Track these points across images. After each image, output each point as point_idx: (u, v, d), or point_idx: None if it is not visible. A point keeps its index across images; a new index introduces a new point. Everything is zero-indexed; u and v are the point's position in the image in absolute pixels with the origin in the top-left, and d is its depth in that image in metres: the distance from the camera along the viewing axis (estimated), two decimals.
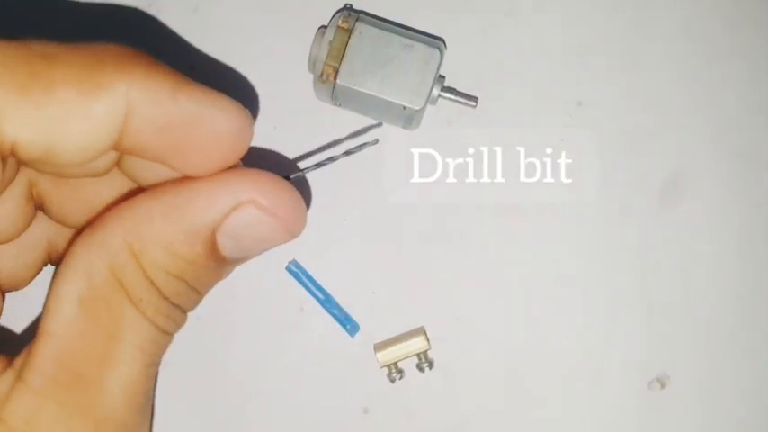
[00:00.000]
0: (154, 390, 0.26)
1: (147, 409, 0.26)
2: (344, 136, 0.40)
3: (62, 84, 0.21)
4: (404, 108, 0.38)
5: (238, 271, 0.40)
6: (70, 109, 0.21)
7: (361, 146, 0.31)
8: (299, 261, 0.41)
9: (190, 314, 0.40)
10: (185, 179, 0.25)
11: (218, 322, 0.41)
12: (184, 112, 0.23)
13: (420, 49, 0.38)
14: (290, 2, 0.42)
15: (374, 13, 0.41)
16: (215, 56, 0.42)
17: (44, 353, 0.24)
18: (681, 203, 0.42)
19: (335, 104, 0.39)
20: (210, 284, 0.27)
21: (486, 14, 0.42)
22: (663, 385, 0.41)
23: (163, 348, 0.26)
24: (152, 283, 0.24)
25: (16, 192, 0.27)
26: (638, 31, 0.43)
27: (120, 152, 0.24)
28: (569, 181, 0.42)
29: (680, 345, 0.42)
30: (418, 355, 0.40)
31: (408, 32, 0.38)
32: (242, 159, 0.26)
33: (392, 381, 0.41)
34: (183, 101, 0.23)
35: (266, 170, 0.26)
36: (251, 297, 0.41)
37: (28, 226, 0.29)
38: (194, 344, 0.41)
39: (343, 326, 0.41)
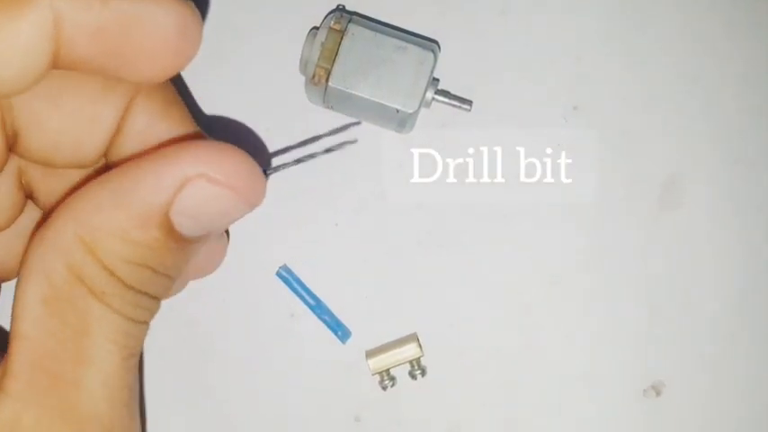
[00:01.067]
0: (137, 382, 0.26)
1: (131, 403, 0.25)
2: (323, 133, 0.39)
3: None
4: (397, 111, 0.37)
5: (228, 277, 0.40)
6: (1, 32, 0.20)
7: (341, 144, 0.32)
8: (289, 266, 0.40)
9: (179, 320, 0.40)
10: (132, 161, 0.24)
11: (207, 329, 0.40)
12: (117, 13, 0.22)
13: (413, 51, 0.37)
14: (281, 2, 0.42)
15: (367, 14, 0.40)
16: (205, 57, 0.41)
17: (18, 358, 0.23)
18: (679, 207, 0.42)
19: (327, 107, 0.39)
20: (179, 266, 0.26)
21: (481, 15, 0.42)
22: (658, 393, 0.41)
23: (139, 339, 0.25)
24: (112, 273, 0.23)
25: (7, 180, 0.27)
26: (636, 32, 0.42)
27: (63, 68, 0.23)
28: (566, 184, 0.41)
29: (676, 352, 0.41)
30: (411, 362, 0.40)
31: (402, 34, 0.38)
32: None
33: (384, 388, 0.40)
34: (114, 1, 0.22)
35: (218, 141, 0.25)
36: (241, 303, 0.40)
37: (19, 215, 0.28)
38: (184, 350, 0.40)
39: (335, 332, 0.40)
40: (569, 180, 0.41)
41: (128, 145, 0.27)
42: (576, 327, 0.41)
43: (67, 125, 0.25)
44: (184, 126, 0.28)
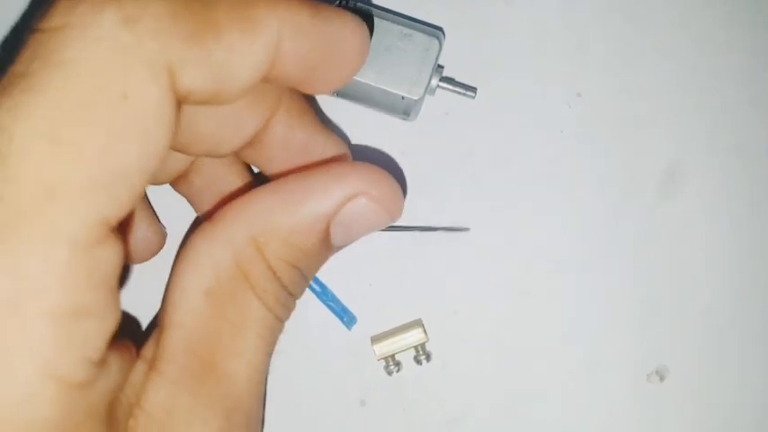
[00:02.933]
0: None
1: (263, 398, 0.27)
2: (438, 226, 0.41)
3: (226, 28, 0.21)
4: (402, 98, 0.37)
5: None
6: (235, 51, 0.22)
7: (453, 228, 0.39)
8: None
9: None
10: (299, 173, 0.27)
11: None
12: (323, 37, 0.24)
13: (419, 38, 0.37)
14: None
15: (372, 0, 0.40)
16: None
17: (174, 343, 0.25)
18: (679, 195, 0.42)
19: (333, 94, 0.39)
20: (316, 271, 0.29)
21: (485, 2, 0.42)
22: (662, 378, 0.41)
23: (278, 336, 0.27)
24: (274, 274, 0.25)
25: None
26: (638, 21, 0.43)
27: (267, 82, 0.25)
28: (567, 173, 0.41)
29: (678, 337, 0.41)
30: (416, 347, 0.40)
31: (407, 21, 0.38)
32: None
33: (389, 373, 0.40)
34: (320, 26, 0.24)
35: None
36: None
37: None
38: None
39: (341, 318, 0.41)
40: (571, 167, 0.41)
41: (267, 147, 0.29)
42: (579, 312, 0.41)
43: (216, 127, 0.27)
44: (317, 133, 0.30)
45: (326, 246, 0.27)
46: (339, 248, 0.29)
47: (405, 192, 0.40)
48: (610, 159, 0.42)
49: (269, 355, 0.27)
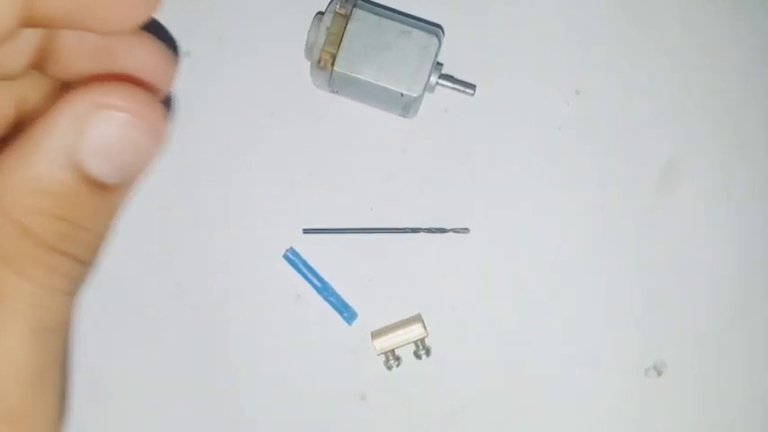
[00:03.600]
0: (56, 362, 0.22)
1: (42, 385, 0.22)
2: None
3: None
4: (401, 95, 0.38)
5: (236, 259, 0.40)
6: None
7: (454, 229, 0.39)
8: (296, 249, 0.41)
9: (185, 303, 0.40)
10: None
11: (215, 311, 0.41)
12: None
13: (418, 35, 0.37)
14: (263, 23, 0.42)
15: None
16: (211, 42, 0.42)
17: None
18: (678, 191, 0.42)
19: (333, 91, 0.39)
20: (101, 220, 0.23)
21: (486, 1, 0.42)
22: (659, 373, 0.42)
23: (56, 311, 0.22)
24: (23, 230, 0.20)
25: None
26: (637, 19, 0.43)
27: (33, 26, 0.21)
28: (566, 170, 0.42)
29: (676, 333, 0.42)
30: (415, 342, 0.40)
31: (406, 19, 0.38)
32: None
33: (389, 368, 0.41)
34: None
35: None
36: (248, 285, 0.41)
37: None
38: (192, 332, 0.41)
39: (341, 314, 0.41)
40: (570, 164, 0.42)
41: (62, 58, 0.24)
42: (578, 308, 0.42)
43: None
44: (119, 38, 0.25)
45: (92, 185, 0.22)
46: (122, 186, 0.23)
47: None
48: (609, 157, 0.42)
49: (39, 333, 0.21)
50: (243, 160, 0.41)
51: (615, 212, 0.42)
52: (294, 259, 0.41)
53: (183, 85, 0.41)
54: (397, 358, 0.41)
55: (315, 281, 0.41)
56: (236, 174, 0.41)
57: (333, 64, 0.37)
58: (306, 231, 0.41)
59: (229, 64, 0.42)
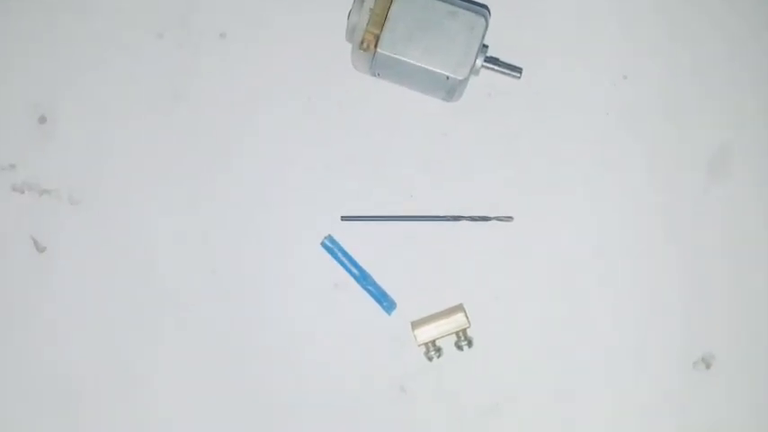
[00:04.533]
0: None
1: None
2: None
3: None
4: (447, 78, 0.37)
5: (273, 246, 0.40)
6: None
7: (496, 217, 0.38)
8: (334, 237, 0.40)
9: (224, 291, 0.40)
10: None
11: (251, 299, 0.40)
12: None
13: (465, 16, 0.36)
14: (298, 7, 0.41)
15: None
16: (247, 24, 0.41)
17: None
18: (728, 177, 0.41)
19: (374, 74, 0.38)
20: None
21: None
22: (708, 365, 0.41)
23: None
24: None
25: None
26: (684, 3, 0.41)
27: None
28: (614, 155, 0.41)
29: (725, 325, 0.41)
30: (457, 333, 0.39)
31: None
32: None
33: (430, 359, 0.40)
34: None
35: None
36: (285, 273, 0.40)
37: None
38: (230, 321, 0.40)
39: (380, 303, 0.40)
40: (618, 149, 0.41)
41: None
42: (624, 298, 0.41)
43: None
44: None
45: None
46: None
47: None
48: (658, 142, 0.41)
49: None
50: (280, 145, 0.41)
51: (664, 199, 0.41)
52: (332, 247, 0.40)
53: (218, 67, 0.41)
54: (438, 349, 0.40)
55: (353, 269, 0.40)
56: (273, 159, 0.41)
57: (376, 45, 0.36)
58: (344, 219, 0.40)
59: (265, 47, 0.41)
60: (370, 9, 0.36)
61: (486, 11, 0.38)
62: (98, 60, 0.41)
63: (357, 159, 0.40)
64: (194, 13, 0.41)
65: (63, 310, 0.40)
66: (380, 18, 0.36)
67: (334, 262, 0.40)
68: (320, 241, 0.40)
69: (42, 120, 0.41)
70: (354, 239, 0.40)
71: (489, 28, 0.38)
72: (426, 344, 0.40)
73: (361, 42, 0.37)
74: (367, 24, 0.36)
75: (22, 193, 0.40)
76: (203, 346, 0.40)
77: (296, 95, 0.41)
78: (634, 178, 0.41)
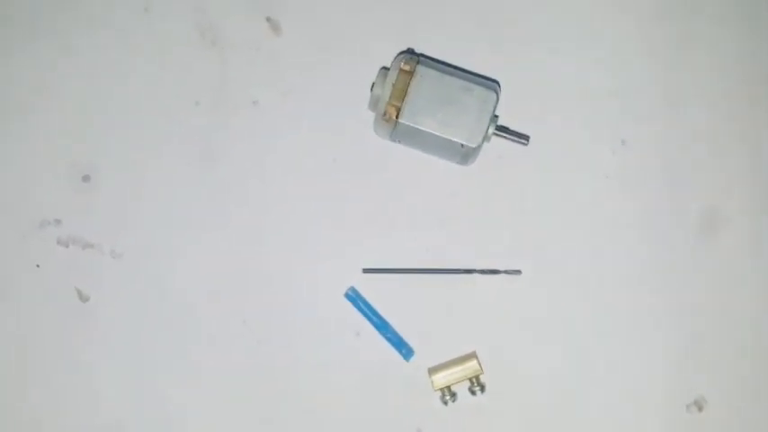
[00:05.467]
0: None
1: None
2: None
3: None
4: (462, 146, 0.40)
5: (300, 297, 0.43)
6: None
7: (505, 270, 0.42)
8: (356, 288, 0.43)
9: (253, 339, 0.43)
10: None
11: (279, 346, 0.43)
12: None
13: (478, 90, 0.40)
14: (348, 44, 0.45)
15: (431, 54, 0.43)
16: (278, 91, 0.44)
17: None
18: (719, 234, 0.44)
19: (394, 141, 0.42)
20: None
21: (534, 55, 0.44)
22: (700, 408, 0.43)
23: None
24: None
25: None
26: (677, 70, 0.45)
27: None
28: (613, 215, 0.44)
29: (717, 369, 0.44)
30: (470, 379, 0.42)
31: (466, 75, 0.41)
32: None
33: (445, 403, 0.42)
34: None
35: None
36: (311, 322, 0.43)
37: None
38: (260, 367, 0.43)
39: (399, 350, 0.43)
40: (617, 209, 0.44)
41: None
42: (623, 345, 0.44)
43: None
44: None
45: None
46: None
47: None
48: (653, 202, 0.44)
49: None
50: (307, 204, 0.44)
51: (658, 254, 0.44)
52: (355, 297, 0.43)
53: (251, 131, 0.44)
54: (453, 394, 0.42)
55: (374, 318, 0.43)
56: (301, 217, 0.44)
57: (398, 116, 0.40)
58: (365, 271, 0.43)
59: (294, 113, 0.44)
60: (392, 83, 0.40)
61: (496, 85, 0.41)
62: (139, 124, 0.44)
63: (378, 217, 0.44)
64: (229, 83, 0.45)
65: (105, 356, 0.43)
66: (401, 92, 0.40)
67: (357, 312, 0.43)
68: (344, 292, 0.43)
69: (86, 178, 0.44)
70: (375, 291, 0.43)
71: (500, 99, 0.41)
72: (442, 389, 0.42)
73: (384, 113, 0.40)
74: (389, 97, 0.40)
75: (67, 246, 0.43)
76: (235, 391, 0.43)
77: (322, 157, 0.44)
78: (630, 235, 0.44)
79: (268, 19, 0.45)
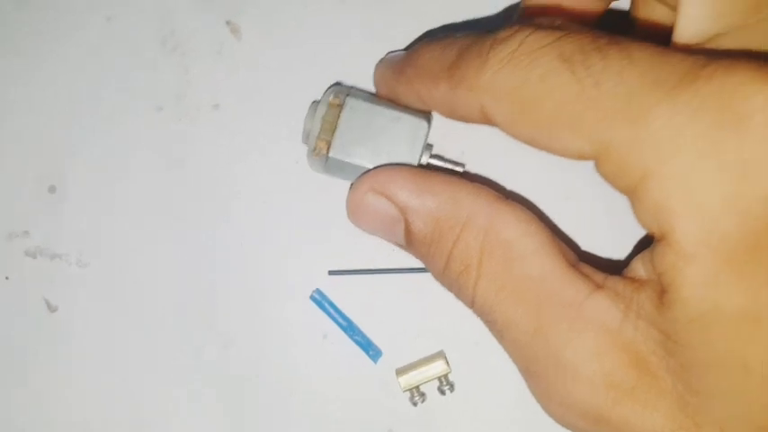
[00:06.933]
0: None
1: None
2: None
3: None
4: None
5: (264, 300, 0.43)
6: None
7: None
8: (322, 290, 0.43)
9: (215, 343, 0.43)
10: None
11: (244, 351, 0.43)
12: None
13: (408, 120, 0.38)
14: (309, 46, 0.43)
15: (364, 86, 0.41)
16: (239, 95, 0.44)
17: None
18: None
19: (328, 174, 0.40)
20: None
21: None
22: None
23: None
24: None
25: None
26: None
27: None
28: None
29: None
30: (439, 378, 0.42)
31: (397, 106, 0.38)
32: None
33: (414, 404, 0.42)
34: None
35: None
36: (276, 326, 0.43)
37: None
38: (222, 372, 0.43)
39: (366, 352, 0.43)
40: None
41: None
42: None
43: None
44: None
45: None
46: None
47: None
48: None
49: None
50: (270, 206, 0.43)
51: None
52: (320, 300, 0.43)
53: (213, 136, 0.44)
54: (422, 394, 0.42)
55: (340, 320, 0.43)
56: (264, 219, 0.43)
57: (328, 151, 0.38)
58: (331, 273, 0.43)
59: (255, 116, 0.44)
60: (322, 117, 0.38)
61: (429, 114, 0.39)
62: (104, 133, 0.44)
63: (343, 219, 0.42)
64: (191, 88, 0.44)
65: (74, 365, 0.44)
66: (331, 126, 0.38)
67: (323, 314, 0.43)
68: (309, 295, 0.43)
69: (52, 189, 0.44)
70: (342, 293, 0.43)
71: (436, 131, 0.39)
72: (411, 389, 0.42)
73: (314, 148, 0.38)
74: (319, 132, 0.38)
75: (35, 258, 0.44)
76: (204, 397, 0.43)
77: (284, 159, 0.43)
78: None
79: (228, 23, 0.44)
